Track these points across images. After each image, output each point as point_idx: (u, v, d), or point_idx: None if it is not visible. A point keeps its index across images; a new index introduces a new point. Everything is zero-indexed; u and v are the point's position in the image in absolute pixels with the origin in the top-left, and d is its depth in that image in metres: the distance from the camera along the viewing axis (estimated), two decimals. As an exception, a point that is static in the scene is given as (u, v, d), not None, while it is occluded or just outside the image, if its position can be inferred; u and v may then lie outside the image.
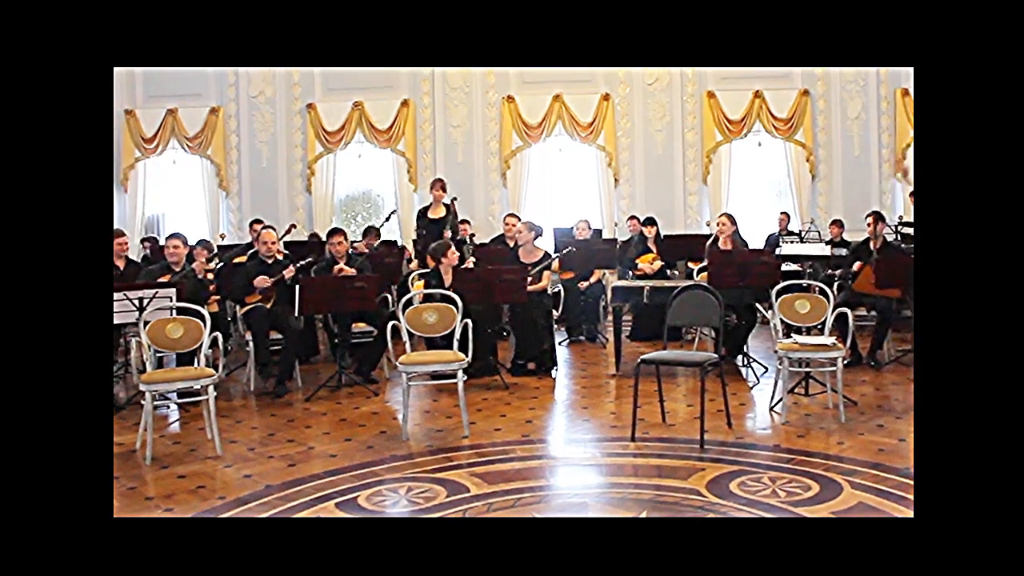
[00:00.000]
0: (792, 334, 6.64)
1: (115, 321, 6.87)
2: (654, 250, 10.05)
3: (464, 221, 11.05)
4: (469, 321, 6.63)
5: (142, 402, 5.82)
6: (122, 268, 7.88)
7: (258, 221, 10.74)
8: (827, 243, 11.00)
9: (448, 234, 9.67)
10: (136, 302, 6.60)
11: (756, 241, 11.48)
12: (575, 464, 5.54)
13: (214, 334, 6.22)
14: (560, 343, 9.25)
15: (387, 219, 11.38)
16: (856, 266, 8.35)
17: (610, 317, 9.05)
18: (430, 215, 10.49)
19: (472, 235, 11.13)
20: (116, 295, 6.68)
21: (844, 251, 9.86)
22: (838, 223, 11.65)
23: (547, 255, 8.75)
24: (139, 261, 9.37)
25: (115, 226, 11.26)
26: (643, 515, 4.41)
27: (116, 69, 12.70)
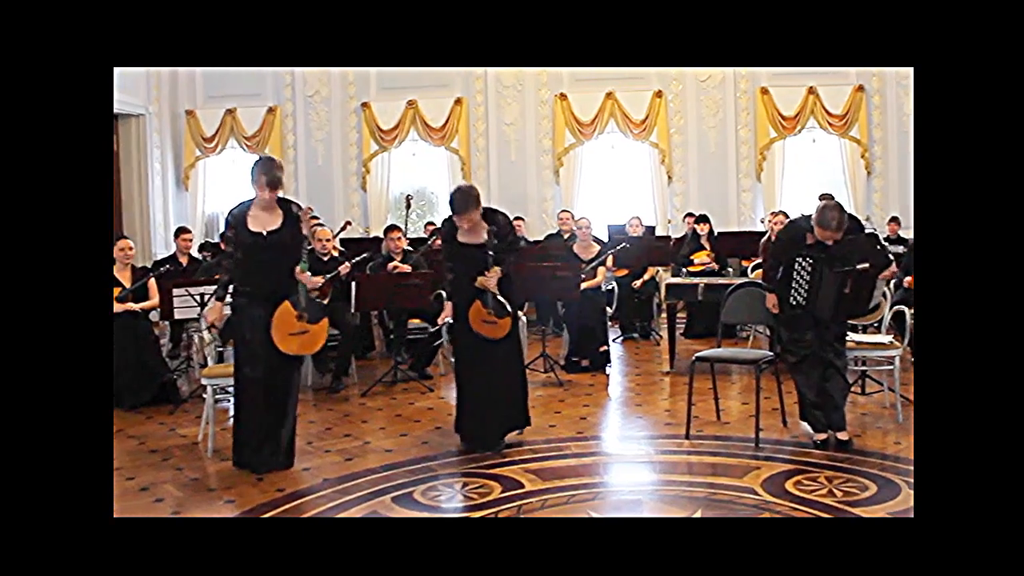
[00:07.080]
0: (848, 332, 6.57)
1: (177, 316, 7.06)
2: (707, 247, 10.00)
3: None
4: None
5: (204, 395, 5.96)
6: (185, 264, 8.06)
7: (315, 218, 10.86)
8: (884, 240, 10.82)
9: None
10: (197, 297, 6.77)
11: (811, 238, 11.32)
12: (629, 461, 5.56)
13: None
14: (614, 340, 9.25)
15: (408, 207, 10.96)
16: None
17: (664, 314, 9.03)
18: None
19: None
20: (178, 291, 6.87)
21: (902, 248, 9.71)
22: (895, 220, 11.46)
23: (603, 251, 8.78)
24: (200, 259, 9.56)
25: (178, 224, 11.59)
26: (697, 514, 4.42)
27: (179, 70, 13.01)
